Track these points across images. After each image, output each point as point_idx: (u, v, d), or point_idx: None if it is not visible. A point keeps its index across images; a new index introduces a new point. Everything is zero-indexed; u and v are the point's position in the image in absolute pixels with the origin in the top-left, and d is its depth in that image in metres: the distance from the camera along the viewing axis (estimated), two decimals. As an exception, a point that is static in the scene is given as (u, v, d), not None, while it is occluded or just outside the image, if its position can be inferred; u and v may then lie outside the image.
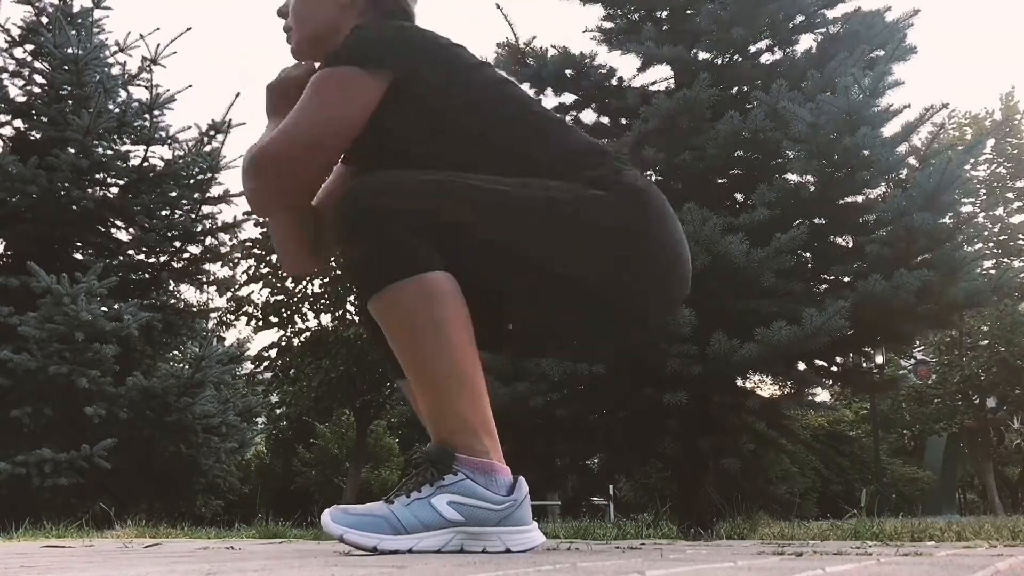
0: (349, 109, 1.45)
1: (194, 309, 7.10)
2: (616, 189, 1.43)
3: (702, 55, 4.12)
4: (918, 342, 13.15)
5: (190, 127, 6.48)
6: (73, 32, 6.24)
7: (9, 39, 6.37)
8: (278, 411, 18.50)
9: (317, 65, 1.60)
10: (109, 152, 6.31)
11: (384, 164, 1.48)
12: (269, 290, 13.63)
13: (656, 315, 1.59)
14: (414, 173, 1.41)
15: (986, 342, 17.23)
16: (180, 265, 6.58)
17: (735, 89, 4.15)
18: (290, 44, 1.67)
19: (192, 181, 6.42)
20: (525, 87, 4.23)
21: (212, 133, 6.47)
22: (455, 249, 1.36)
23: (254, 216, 13.35)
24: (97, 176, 6.26)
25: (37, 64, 6.37)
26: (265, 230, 13.50)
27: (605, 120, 4.35)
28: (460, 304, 1.36)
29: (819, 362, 3.80)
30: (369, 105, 1.45)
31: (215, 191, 6.50)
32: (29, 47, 6.39)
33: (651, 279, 1.46)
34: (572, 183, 1.42)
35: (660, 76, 4.29)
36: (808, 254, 3.74)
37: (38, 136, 6.20)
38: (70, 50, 6.16)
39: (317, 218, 1.65)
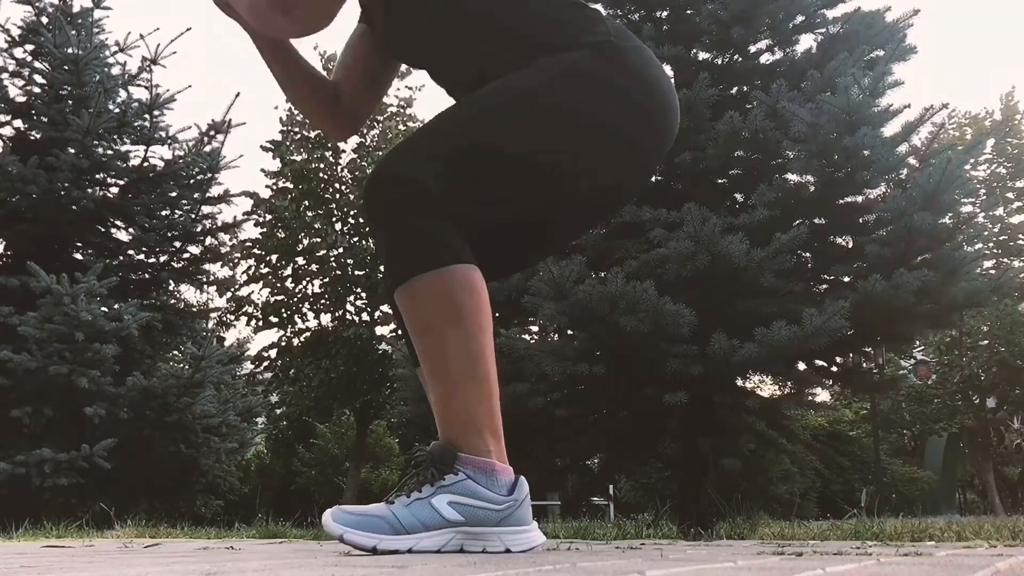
0: None
1: (194, 309, 7.11)
2: (592, 42, 1.42)
3: (702, 55, 4.12)
4: (918, 342, 13.16)
5: (190, 127, 6.52)
6: (73, 32, 6.25)
7: (9, 39, 6.38)
8: (278, 411, 18.49)
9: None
10: (109, 152, 6.32)
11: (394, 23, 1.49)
12: (269, 290, 13.62)
13: (640, 167, 1.57)
14: (420, 137, 1.41)
15: (986, 342, 17.21)
16: (180, 265, 6.59)
17: (735, 89, 4.15)
18: None
19: (192, 181, 6.43)
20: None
21: (212, 133, 6.48)
22: (473, 188, 1.37)
23: (254, 216, 13.34)
24: (97, 176, 6.26)
25: (37, 64, 6.37)
26: (265, 230, 13.50)
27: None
28: (484, 299, 1.36)
29: (819, 362, 3.80)
30: None
31: (215, 191, 6.52)
32: (29, 47, 6.40)
33: (633, 131, 1.44)
34: (553, 52, 1.41)
35: (660, 76, 4.28)
36: (808, 254, 3.74)
37: (38, 136, 6.21)
38: (70, 50, 6.16)
39: (340, 87, 1.67)
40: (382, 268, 1.50)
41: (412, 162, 1.38)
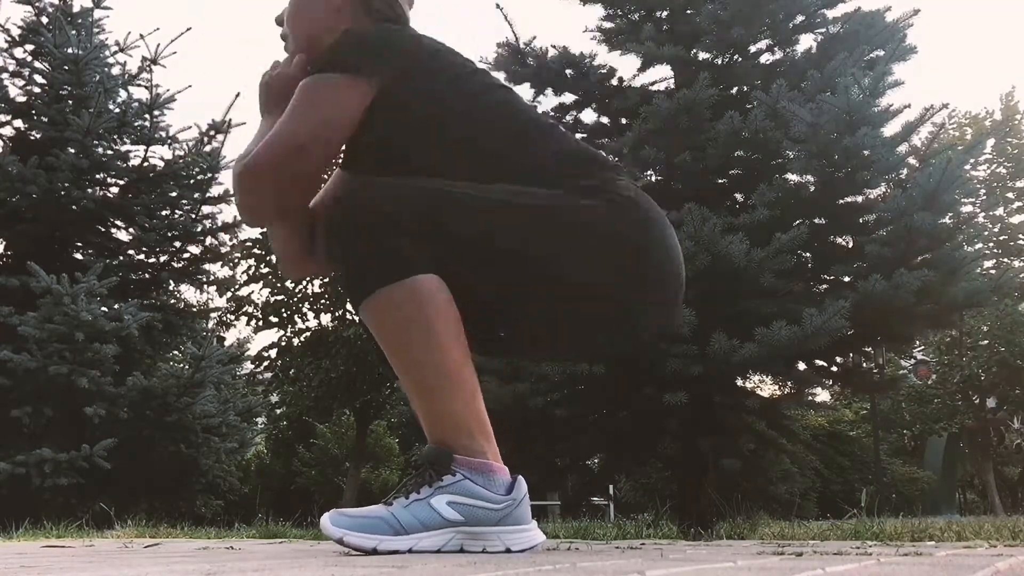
0: (336, 115, 1.45)
1: (194, 309, 7.11)
2: (607, 198, 1.42)
3: (702, 55, 4.12)
4: (918, 342, 13.15)
5: (190, 127, 6.51)
6: (73, 32, 6.24)
7: (9, 39, 6.38)
8: (278, 411, 18.48)
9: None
10: (109, 152, 6.32)
11: (372, 169, 1.49)
12: (269, 290, 13.63)
13: (647, 324, 1.56)
14: (403, 181, 1.42)
15: (986, 342, 17.21)
16: (180, 265, 6.59)
17: (735, 89, 4.15)
18: (287, 52, 1.68)
19: (192, 181, 6.43)
20: (525, 87, 4.23)
21: (212, 133, 6.48)
22: (444, 255, 1.36)
23: (254, 216, 13.37)
24: (97, 176, 6.26)
25: (37, 64, 6.37)
26: (265, 230, 13.49)
27: (605, 120, 4.35)
28: (449, 306, 1.35)
29: (819, 362, 3.80)
30: (356, 111, 1.45)
31: (215, 191, 6.52)
32: (29, 47, 6.40)
33: (641, 288, 1.44)
34: (562, 191, 1.42)
35: (660, 76, 4.29)
36: (808, 254, 3.74)
37: (38, 136, 6.21)
38: (70, 50, 6.16)
39: (315, 219, 1.65)
40: (342, 287, 1.49)
41: (385, 193, 1.38)
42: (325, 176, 1.71)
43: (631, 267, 1.42)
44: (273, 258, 13.54)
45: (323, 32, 1.59)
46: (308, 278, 13.62)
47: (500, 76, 4.11)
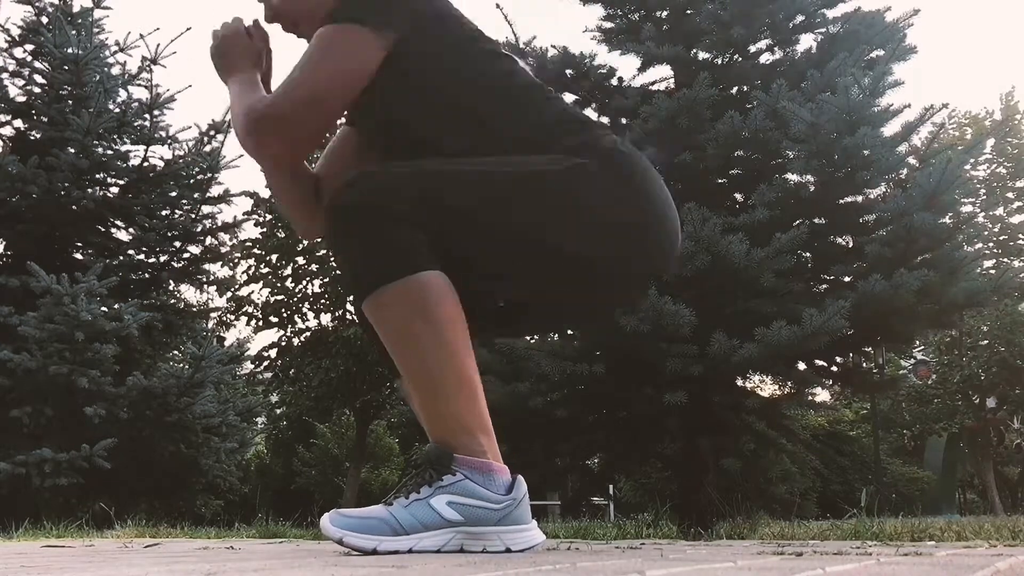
0: (352, 67, 1.45)
1: (194, 309, 7.10)
2: (597, 155, 1.43)
3: (702, 55, 4.12)
4: (918, 342, 13.15)
5: (190, 127, 6.54)
6: (73, 32, 6.24)
7: (9, 39, 6.38)
8: (278, 411, 18.49)
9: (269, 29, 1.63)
10: (109, 152, 6.32)
11: (372, 133, 1.51)
12: (269, 290, 13.61)
13: (640, 281, 1.59)
14: (401, 165, 1.42)
15: (986, 342, 17.21)
16: (180, 265, 6.59)
17: (735, 89, 4.15)
18: (269, 20, 1.65)
19: (192, 181, 6.43)
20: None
21: (212, 133, 6.48)
22: (447, 236, 1.36)
23: (254, 216, 13.33)
24: (97, 176, 6.26)
25: (37, 64, 6.37)
26: (265, 230, 13.50)
27: (605, 120, 4.34)
28: (455, 304, 1.35)
29: (819, 362, 3.80)
30: (374, 64, 1.45)
31: (215, 191, 6.52)
32: (29, 47, 6.40)
33: (637, 243, 1.46)
34: (553, 153, 1.42)
35: (660, 76, 4.29)
36: (808, 254, 3.74)
37: (38, 136, 6.21)
38: (70, 50, 6.16)
39: (320, 182, 1.65)
40: (343, 283, 1.46)
41: (386, 183, 1.38)
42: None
43: (625, 222, 1.43)
44: (274, 258, 13.55)
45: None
46: (308, 278, 13.63)
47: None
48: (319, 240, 1.77)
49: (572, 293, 1.53)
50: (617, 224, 1.43)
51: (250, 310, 13.65)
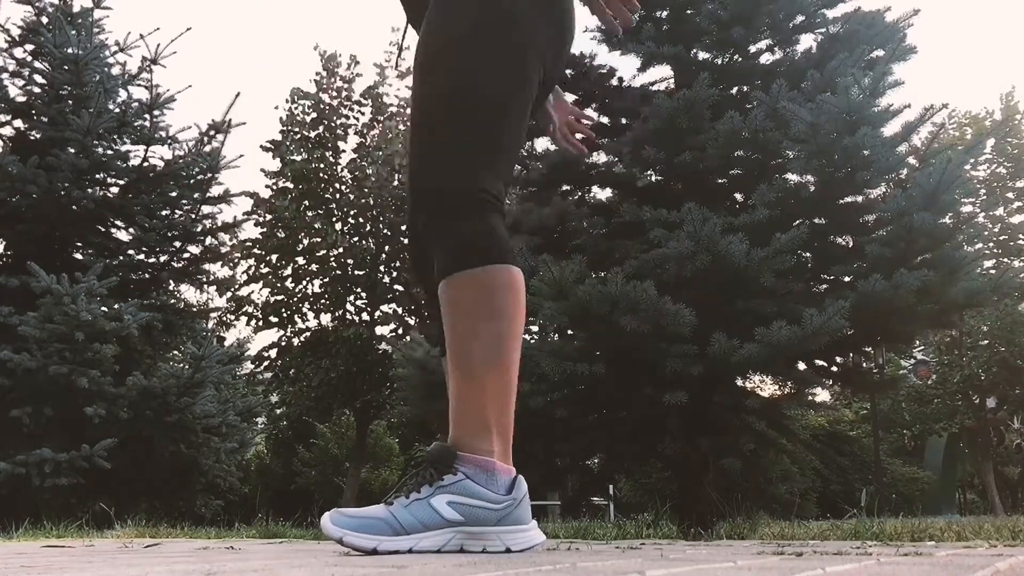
0: None
1: (194, 309, 7.10)
2: None
3: (702, 55, 4.12)
4: (918, 342, 13.15)
5: (190, 127, 6.53)
6: (73, 32, 6.24)
7: (9, 39, 6.38)
8: (278, 411, 18.49)
9: None
10: (109, 152, 6.32)
11: None
12: (269, 290, 13.61)
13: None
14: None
15: (986, 342, 17.21)
16: (180, 265, 6.59)
17: (735, 89, 4.15)
18: None
19: (192, 181, 6.43)
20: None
21: (212, 133, 6.48)
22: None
23: (254, 216, 13.31)
24: (97, 176, 6.26)
25: (37, 64, 6.37)
26: (265, 230, 13.48)
27: (605, 120, 4.35)
28: (522, 303, 1.41)
29: (819, 362, 3.80)
30: None
31: (215, 191, 6.52)
32: (29, 47, 6.40)
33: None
34: None
35: (660, 76, 4.30)
36: (808, 254, 3.74)
37: (38, 136, 6.21)
38: (70, 50, 6.16)
39: None
40: (433, 256, 1.52)
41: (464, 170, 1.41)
42: None
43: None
44: (274, 258, 13.55)
45: None
46: (308, 278, 13.62)
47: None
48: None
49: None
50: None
51: (250, 310, 13.66)
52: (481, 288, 1.37)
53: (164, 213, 6.43)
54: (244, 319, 13.72)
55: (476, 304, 1.37)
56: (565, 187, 4.41)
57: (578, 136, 1.93)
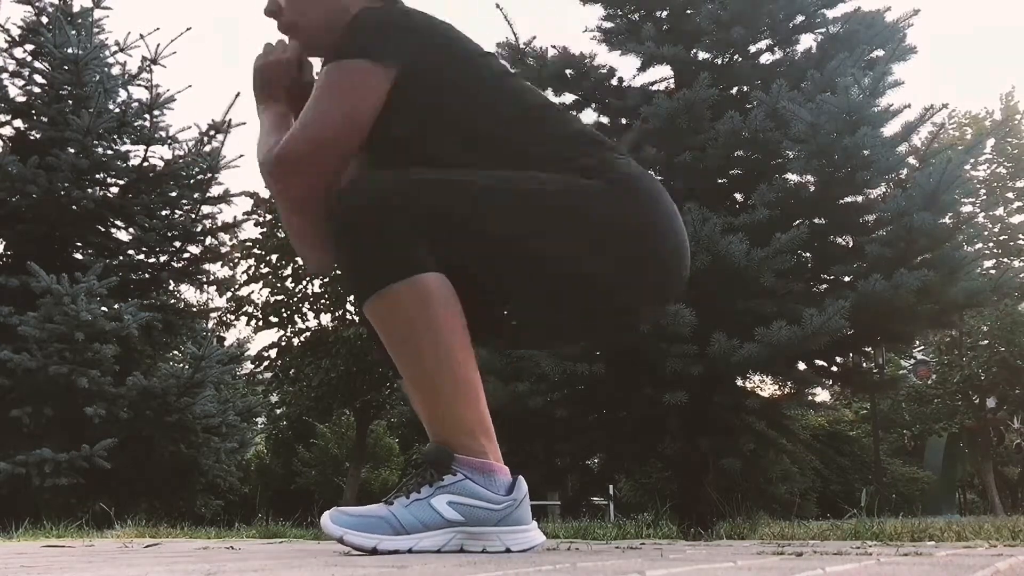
0: (363, 104, 1.44)
1: (194, 309, 7.10)
2: (608, 177, 1.43)
3: (702, 55, 4.12)
4: (918, 342, 13.15)
5: (190, 127, 6.53)
6: (73, 32, 6.24)
7: (9, 39, 6.37)
8: (278, 411, 18.49)
9: (317, 61, 1.60)
10: (109, 152, 6.32)
11: (382, 155, 1.49)
12: (269, 290, 13.62)
13: (649, 305, 1.58)
14: (408, 172, 1.41)
15: (986, 342, 17.22)
16: (180, 265, 6.59)
17: (735, 89, 4.15)
18: (281, 32, 1.64)
19: (192, 181, 6.43)
20: (525, 85, 4.23)
21: (212, 133, 6.48)
22: (449, 245, 1.36)
23: (254, 216, 13.33)
24: (97, 176, 6.26)
25: (37, 64, 6.37)
26: (265, 230, 13.50)
27: (605, 120, 4.34)
28: (455, 305, 1.35)
29: (819, 362, 3.80)
30: (381, 98, 1.44)
31: (215, 191, 6.52)
32: (29, 47, 6.40)
33: (639, 262, 1.45)
34: (563, 173, 1.42)
35: (660, 76, 4.29)
36: (808, 254, 3.74)
37: (38, 136, 6.20)
38: (70, 50, 6.16)
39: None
40: (344, 283, 1.48)
41: (394, 185, 1.38)
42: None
43: (628, 241, 1.43)
44: (274, 258, 13.56)
45: (339, 13, 1.55)
46: (308, 277, 13.63)
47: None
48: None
49: (572, 310, 1.51)
50: (619, 242, 1.42)
51: (250, 310, 13.67)
52: (407, 303, 1.33)
53: (164, 213, 6.42)
54: (244, 319, 13.75)
55: (409, 320, 1.34)
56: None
57: None
